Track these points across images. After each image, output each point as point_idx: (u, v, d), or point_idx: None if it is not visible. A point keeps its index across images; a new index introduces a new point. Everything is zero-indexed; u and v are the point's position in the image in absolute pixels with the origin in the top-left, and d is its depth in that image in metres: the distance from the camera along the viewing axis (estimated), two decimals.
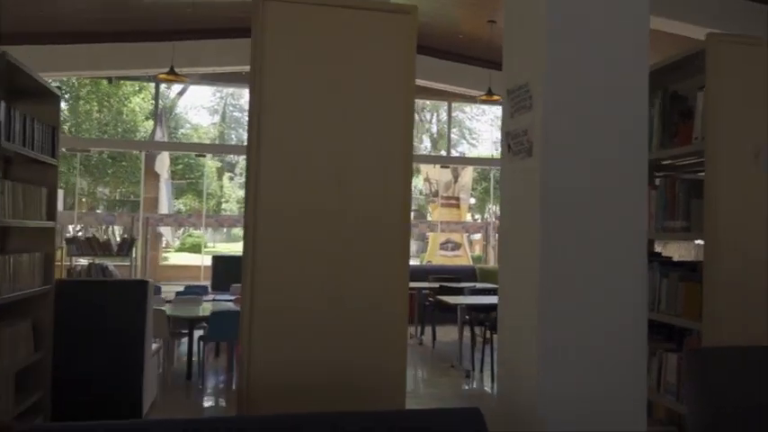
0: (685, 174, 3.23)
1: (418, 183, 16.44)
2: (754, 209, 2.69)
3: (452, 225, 14.24)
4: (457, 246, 14.24)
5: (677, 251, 6.11)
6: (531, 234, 1.93)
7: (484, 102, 9.27)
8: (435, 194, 14.68)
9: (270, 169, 2.03)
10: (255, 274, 2.02)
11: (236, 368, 5.10)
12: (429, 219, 15.69)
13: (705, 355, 2.40)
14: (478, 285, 8.29)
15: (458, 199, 14.62)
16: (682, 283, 2.85)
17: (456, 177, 14.56)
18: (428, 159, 15.77)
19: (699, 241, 2.90)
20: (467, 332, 6.77)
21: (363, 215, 2.07)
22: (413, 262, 14.25)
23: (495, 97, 8.46)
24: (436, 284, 8.18)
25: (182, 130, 19.86)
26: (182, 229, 19.79)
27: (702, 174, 2.84)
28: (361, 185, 2.07)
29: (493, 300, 5.71)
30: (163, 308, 5.53)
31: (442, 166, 13.83)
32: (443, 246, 14.10)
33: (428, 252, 14.82)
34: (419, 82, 10.54)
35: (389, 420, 1.67)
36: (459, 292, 7.62)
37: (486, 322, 6.33)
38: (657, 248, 3.73)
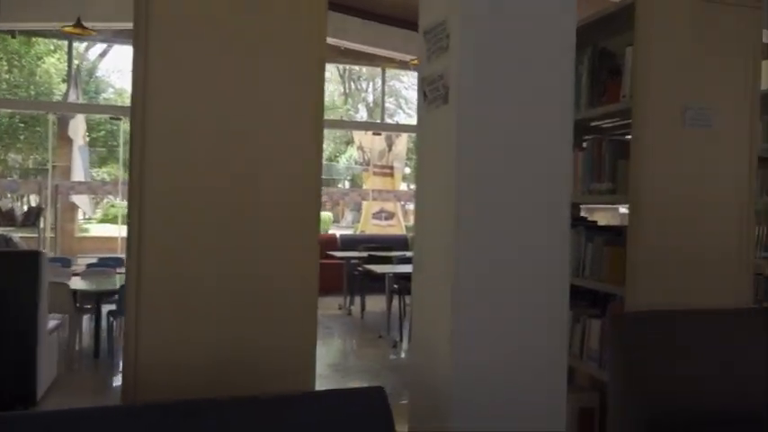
0: (613, 136, 3.14)
1: (353, 152, 16.17)
2: (680, 170, 2.61)
3: (385, 194, 14.09)
4: (390, 215, 14.12)
5: (605, 219, 6.15)
6: (447, 192, 1.74)
7: (417, 66, 9.06)
8: (368, 163, 14.48)
9: (158, 131, 1.75)
10: (143, 242, 1.74)
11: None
12: (363, 187, 15.48)
13: (627, 320, 2.32)
14: (408, 254, 8.19)
15: (392, 168, 14.45)
16: (606, 248, 2.77)
17: (390, 146, 14.38)
18: (359, 126, 15.50)
19: (624, 210, 2.82)
20: (396, 301, 6.67)
21: (268, 181, 1.82)
22: (347, 231, 14.06)
23: None
24: (365, 254, 8.03)
25: (104, 95, 18.71)
26: (104, 200, 18.79)
27: (630, 136, 2.74)
28: (265, 151, 1.82)
29: None
30: (67, 281, 5.11)
31: (374, 134, 13.60)
32: (377, 215, 13.95)
33: (361, 221, 14.66)
34: (349, 45, 10.24)
35: (290, 404, 1.50)
36: (388, 261, 7.50)
37: None
38: (585, 216, 3.66)
